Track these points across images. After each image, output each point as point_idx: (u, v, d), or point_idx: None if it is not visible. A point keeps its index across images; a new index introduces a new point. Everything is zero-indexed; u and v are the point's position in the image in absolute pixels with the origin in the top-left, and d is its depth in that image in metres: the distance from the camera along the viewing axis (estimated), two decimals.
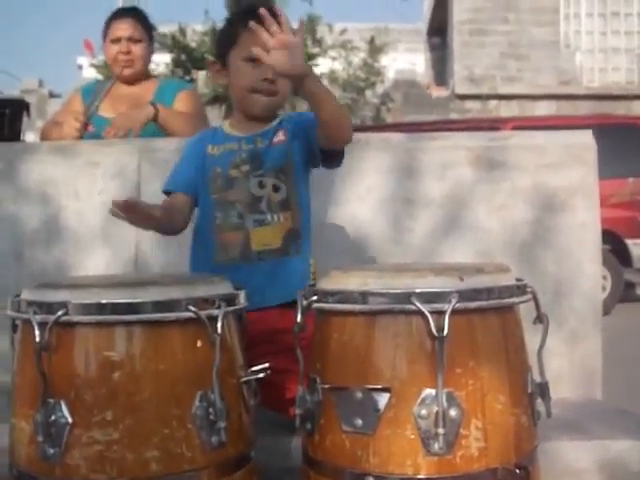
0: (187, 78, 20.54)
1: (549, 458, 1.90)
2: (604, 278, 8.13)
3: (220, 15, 19.02)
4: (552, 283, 2.64)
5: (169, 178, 2.32)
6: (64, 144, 3.07)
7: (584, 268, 2.66)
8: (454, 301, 1.43)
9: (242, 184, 2.19)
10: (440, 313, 1.44)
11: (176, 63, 20.75)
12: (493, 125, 9.75)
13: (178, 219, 2.22)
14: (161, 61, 21.24)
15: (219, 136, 2.30)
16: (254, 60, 2.13)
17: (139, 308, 1.47)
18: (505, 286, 1.55)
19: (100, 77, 21.17)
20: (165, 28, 21.33)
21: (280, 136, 2.23)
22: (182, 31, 20.52)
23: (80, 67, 23.58)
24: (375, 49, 19.84)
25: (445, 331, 1.42)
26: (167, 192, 2.30)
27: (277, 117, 2.28)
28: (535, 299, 1.62)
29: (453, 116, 17.18)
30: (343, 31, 20.51)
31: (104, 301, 1.47)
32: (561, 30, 18.25)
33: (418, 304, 1.43)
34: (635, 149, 8.76)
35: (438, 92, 19.16)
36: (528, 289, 1.61)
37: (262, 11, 1.92)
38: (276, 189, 2.18)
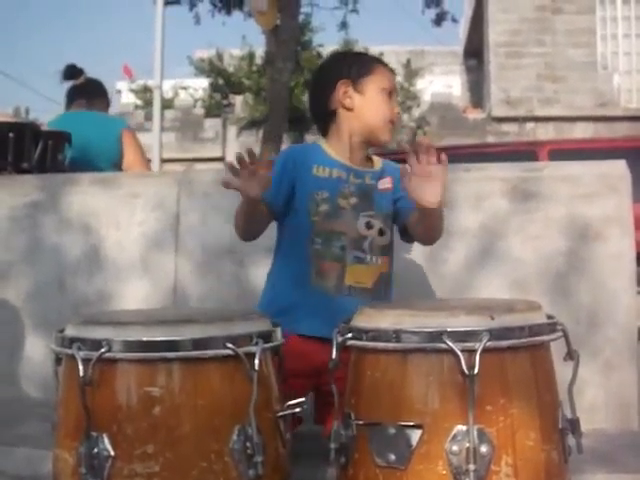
0: (225, 102, 20.78)
1: None
2: None
3: (257, 40, 19.17)
4: (586, 313, 2.64)
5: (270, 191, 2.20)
6: (105, 175, 3.14)
7: (619, 298, 2.66)
8: (485, 340, 1.46)
9: (350, 218, 2.20)
10: (471, 352, 1.47)
11: (214, 88, 20.99)
12: (530, 148, 9.72)
13: (260, 224, 2.21)
14: (199, 86, 21.51)
15: (324, 157, 2.26)
16: (389, 92, 2.26)
17: (179, 346, 1.52)
18: (536, 324, 1.58)
19: (139, 102, 21.51)
20: (203, 53, 21.62)
21: (387, 183, 2.27)
22: (219, 56, 20.78)
23: (119, 92, 23.89)
24: (411, 72, 19.90)
25: (476, 369, 1.45)
26: None
27: (376, 159, 2.33)
28: (566, 336, 1.63)
29: (490, 139, 17.16)
30: (380, 54, 20.59)
31: (145, 339, 1.52)
32: (598, 51, 18.19)
33: (450, 343, 1.47)
34: None
35: (474, 115, 19.14)
36: (559, 326, 1.63)
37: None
38: (382, 233, 2.24)
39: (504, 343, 1.50)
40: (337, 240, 2.18)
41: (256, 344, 1.58)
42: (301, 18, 12.06)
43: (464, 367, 1.45)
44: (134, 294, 2.88)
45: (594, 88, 17.80)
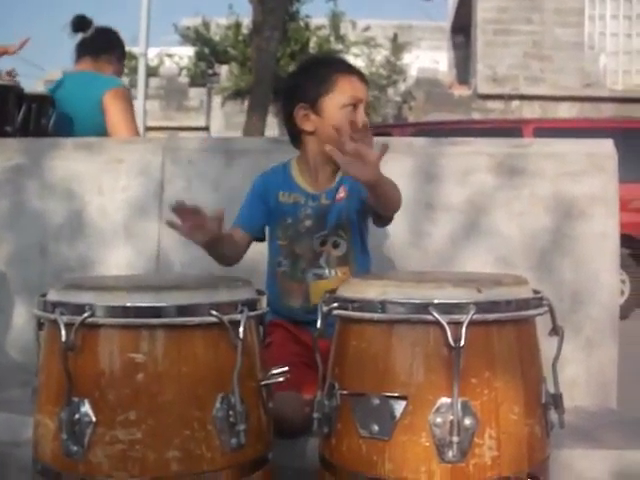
0: (210, 71, 20.63)
1: (562, 467, 1.92)
2: (623, 282, 8.10)
3: (244, 9, 19.05)
4: (570, 291, 2.65)
5: (245, 216, 2.36)
6: (89, 140, 3.11)
7: (602, 277, 2.67)
8: (471, 312, 1.46)
9: (307, 240, 2.28)
10: (457, 324, 1.46)
11: (199, 56, 20.82)
12: (515, 126, 9.73)
13: (234, 251, 2.28)
14: (184, 54, 21.34)
15: (289, 183, 2.33)
16: (353, 105, 2.22)
17: (163, 312, 1.51)
18: (522, 299, 1.58)
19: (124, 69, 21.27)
20: (189, 22, 21.44)
21: (341, 193, 2.29)
22: (206, 25, 20.61)
23: None
24: (398, 47, 19.83)
25: (462, 342, 1.44)
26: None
27: (337, 172, 2.30)
28: (551, 311, 1.63)
29: (475, 115, 17.15)
30: (366, 28, 20.53)
31: (129, 304, 1.51)
32: (585, 31, 18.15)
33: (436, 314, 1.46)
34: None
35: (460, 91, 19.10)
36: (545, 301, 1.63)
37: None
38: (335, 245, 2.28)
39: (490, 316, 1.50)
40: (298, 262, 2.28)
41: (241, 312, 1.57)
42: None
43: (450, 339, 1.45)
44: (117, 260, 2.86)
45: (581, 68, 17.79)
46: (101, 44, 3.75)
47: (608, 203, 2.71)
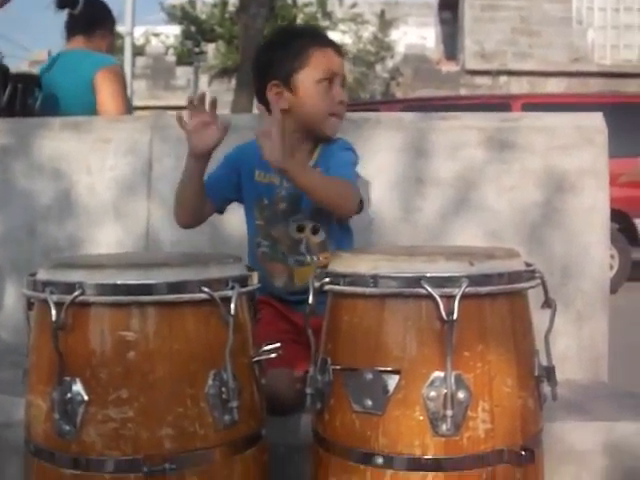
0: (196, 50, 20.53)
1: (553, 439, 1.92)
2: (612, 257, 8.13)
3: None
4: (560, 264, 2.65)
5: (210, 184, 2.22)
6: (77, 119, 3.08)
7: (592, 250, 2.67)
8: (464, 286, 1.45)
9: (282, 225, 2.20)
10: (450, 297, 1.45)
11: (186, 35, 20.70)
12: (503, 102, 9.71)
13: (200, 208, 2.22)
14: (171, 33, 21.22)
15: (264, 161, 2.09)
16: (328, 80, 2.15)
17: (153, 289, 1.49)
18: (515, 271, 1.57)
19: None
20: (175, 0, 21.29)
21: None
22: (192, 3, 20.48)
23: None
24: (385, 23, 19.76)
25: (455, 315, 1.44)
26: None
27: (317, 149, 2.23)
28: (544, 284, 1.63)
29: (463, 91, 17.13)
30: (353, 5, 20.45)
31: (119, 282, 1.49)
32: (573, 6, 18.15)
33: (428, 288, 1.45)
34: None
35: (448, 67, 19.07)
36: (537, 274, 1.62)
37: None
38: (315, 231, 2.20)
39: (483, 289, 1.49)
40: (277, 245, 2.22)
41: (232, 288, 1.55)
42: None
43: (443, 313, 1.44)
44: (106, 240, 2.84)
45: (569, 43, 17.79)
46: (93, 19, 3.58)
47: (598, 176, 2.70)
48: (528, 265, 1.64)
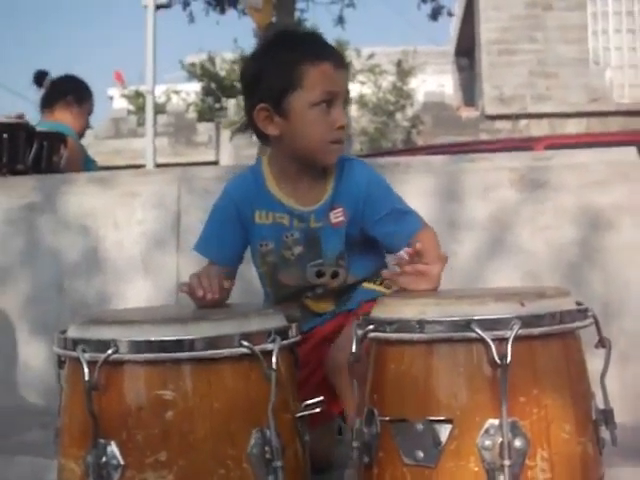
0: (217, 106, 20.71)
1: None
2: None
3: (249, 43, 19.10)
4: (600, 304, 2.56)
5: (206, 241, 2.00)
6: (102, 174, 3.08)
7: (633, 288, 2.61)
8: (516, 327, 1.38)
9: (297, 271, 1.92)
10: (502, 340, 1.39)
11: (206, 92, 20.92)
12: (526, 145, 9.66)
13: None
14: (191, 90, 21.46)
15: (265, 198, 1.92)
16: (326, 103, 1.82)
17: (190, 345, 1.43)
18: (567, 310, 1.50)
19: (131, 107, 21.46)
20: (195, 57, 21.57)
21: (339, 215, 1.90)
22: (211, 60, 20.74)
23: (111, 98, 23.83)
24: (403, 72, 19.88)
25: (508, 358, 1.37)
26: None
27: (328, 179, 1.93)
28: (597, 323, 1.56)
29: (483, 137, 17.11)
30: (371, 55, 20.61)
31: (154, 338, 1.44)
32: (590, 47, 18.16)
33: (479, 331, 1.38)
34: None
35: (468, 113, 19.10)
36: (589, 313, 1.55)
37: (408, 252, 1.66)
38: (334, 275, 1.93)
39: (536, 330, 1.42)
40: (286, 289, 1.95)
41: (273, 341, 1.49)
42: (296, 15, 11.89)
43: (495, 356, 1.37)
44: (135, 296, 2.81)
45: (586, 84, 17.77)
46: (52, 95, 4.01)
47: (635, 211, 2.65)
48: (579, 304, 1.57)
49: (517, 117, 17.74)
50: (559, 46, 17.79)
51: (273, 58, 1.87)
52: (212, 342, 1.44)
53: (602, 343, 1.57)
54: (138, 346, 1.44)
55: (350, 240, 1.92)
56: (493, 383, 1.40)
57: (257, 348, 1.46)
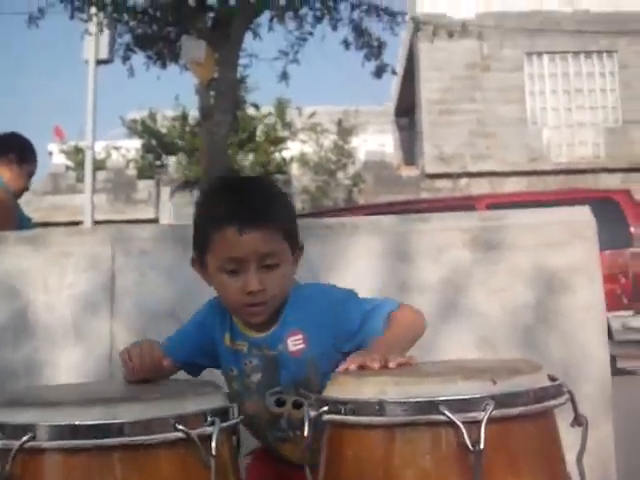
0: (158, 163, 20.55)
1: None
2: None
3: (189, 100, 19.05)
4: (558, 369, 2.43)
5: (176, 341, 1.91)
6: (33, 232, 2.90)
7: (591, 350, 2.54)
8: (490, 408, 1.24)
9: (258, 399, 1.84)
10: (473, 423, 1.24)
11: (147, 148, 20.76)
12: (467, 203, 9.68)
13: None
14: (131, 147, 21.28)
15: (230, 323, 1.87)
16: (233, 271, 1.74)
17: (119, 430, 1.26)
18: (541, 388, 1.37)
19: (70, 163, 21.18)
20: (136, 114, 21.43)
21: (298, 343, 1.80)
22: (152, 116, 20.60)
23: (50, 153, 23.52)
24: (345, 131, 20.02)
25: (482, 444, 1.22)
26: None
27: (282, 306, 1.83)
28: (572, 399, 1.43)
29: (424, 195, 17.24)
30: (312, 114, 20.73)
31: (78, 422, 1.26)
32: (527, 107, 18.52)
33: (448, 413, 1.23)
34: (608, 222, 8.68)
35: (408, 172, 19.30)
36: (564, 389, 1.42)
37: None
38: (297, 406, 1.80)
39: (511, 411, 1.28)
40: (253, 419, 1.85)
41: (212, 424, 1.33)
42: (239, 71, 11.85)
43: (467, 441, 1.22)
44: (66, 363, 2.63)
45: (525, 143, 18.12)
46: None
47: (591, 273, 2.60)
48: (553, 379, 1.44)
49: (457, 176, 17.95)
50: (498, 106, 18.13)
51: (196, 214, 1.86)
52: (144, 426, 1.28)
53: (578, 421, 1.43)
54: (60, 431, 1.27)
55: (321, 364, 1.79)
56: (465, 471, 1.25)
57: (194, 432, 1.30)
